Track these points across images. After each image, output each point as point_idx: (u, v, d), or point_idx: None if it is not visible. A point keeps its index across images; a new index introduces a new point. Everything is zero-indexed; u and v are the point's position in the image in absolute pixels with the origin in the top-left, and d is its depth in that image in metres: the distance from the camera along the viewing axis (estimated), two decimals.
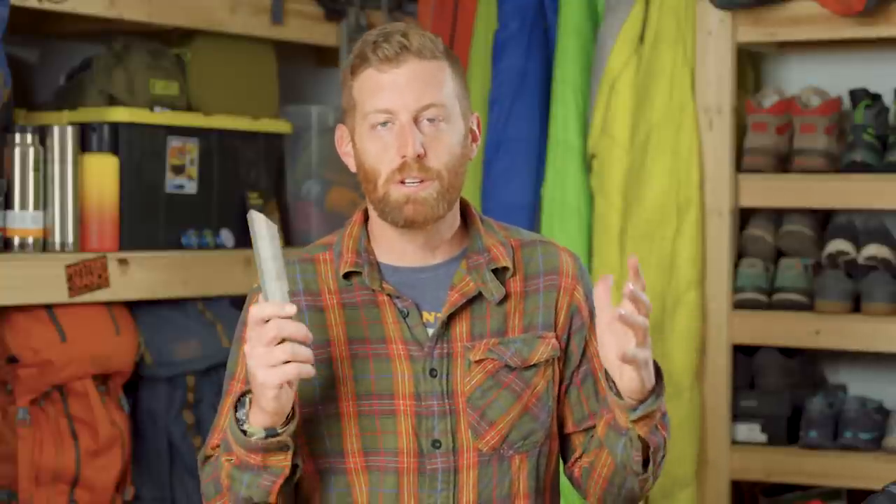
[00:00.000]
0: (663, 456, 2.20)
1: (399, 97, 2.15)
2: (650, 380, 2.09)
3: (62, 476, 3.22)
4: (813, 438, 3.66)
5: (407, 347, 2.18)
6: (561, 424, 2.30)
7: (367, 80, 2.17)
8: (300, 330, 2.01)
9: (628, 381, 2.08)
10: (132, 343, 3.38)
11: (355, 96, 2.19)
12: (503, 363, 2.20)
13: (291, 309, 2.01)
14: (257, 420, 2.06)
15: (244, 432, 2.06)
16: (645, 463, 2.17)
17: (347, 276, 2.22)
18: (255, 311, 2.01)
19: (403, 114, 2.14)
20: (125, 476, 3.34)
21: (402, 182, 2.15)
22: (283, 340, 2.01)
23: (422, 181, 2.15)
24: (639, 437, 2.13)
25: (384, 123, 2.16)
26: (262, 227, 2.05)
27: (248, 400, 2.08)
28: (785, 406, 3.75)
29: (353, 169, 2.25)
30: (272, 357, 2.00)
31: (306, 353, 2.01)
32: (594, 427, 2.28)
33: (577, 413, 2.29)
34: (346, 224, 2.28)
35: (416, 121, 2.15)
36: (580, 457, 2.31)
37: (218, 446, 2.21)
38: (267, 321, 2.00)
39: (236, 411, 2.09)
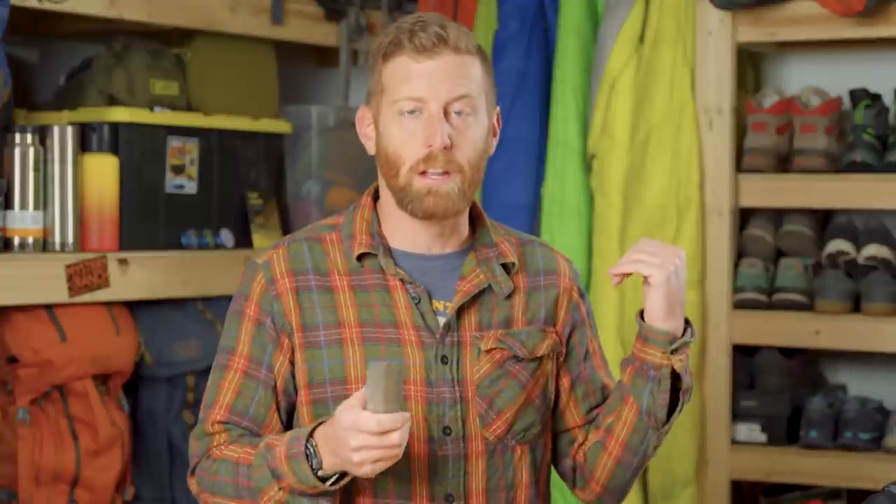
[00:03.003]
0: (681, 409, 2.27)
1: (432, 87, 2.14)
2: (681, 314, 2.21)
3: (62, 476, 3.22)
4: (813, 438, 3.66)
5: (418, 334, 2.19)
6: (562, 419, 2.31)
7: (400, 66, 2.16)
8: (406, 437, 2.03)
9: (657, 303, 2.17)
10: (132, 343, 3.38)
11: (384, 82, 2.18)
12: (511, 353, 2.22)
13: (408, 425, 2.03)
14: (330, 465, 2.06)
15: (319, 477, 2.07)
16: (671, 411, 2.22)
17: (359, 258, 2.22)
18: (370, 421, 2.00)
19: (434, 104, 2.15)
20: (125, 476, 3.34)
21: (425, 173, 2.15)
22: None
23: (444, 174, 2.15)
24: (672, 372, 2.19)
25: (412, 111, 2.15)
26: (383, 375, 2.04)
27: (314, 449, 2.07)
28: (785, 406, 3.75)
29: (371, 152, 2.24)
30: (381, 461, 2.02)
31: (401, 446, 2.04)
32: (599, 415, 2.30)
33: (584, 406, 2.31)
34: (353, 207, 2.27)
35: (445, 112, 2.16)
36: (584, 440, 2.31)
37: (221, 422, 2.19)
38: (385, 432, 2.00)
39: (308, 459, 2.07)
